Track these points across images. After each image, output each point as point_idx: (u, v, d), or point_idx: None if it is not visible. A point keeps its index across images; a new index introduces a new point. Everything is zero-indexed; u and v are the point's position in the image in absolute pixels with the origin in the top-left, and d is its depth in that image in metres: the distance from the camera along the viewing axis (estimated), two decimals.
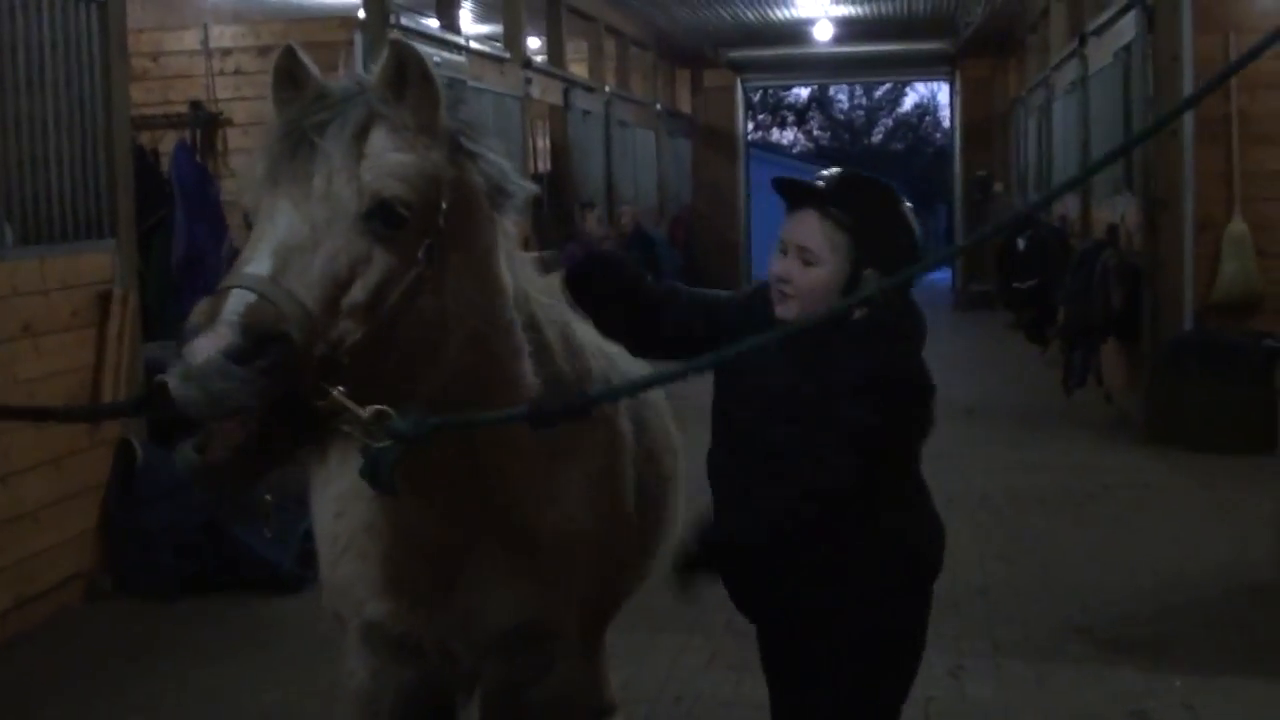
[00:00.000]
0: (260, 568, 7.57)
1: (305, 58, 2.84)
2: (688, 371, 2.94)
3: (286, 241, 2.57)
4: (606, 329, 3.60)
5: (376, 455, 2.66)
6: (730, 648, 6.16)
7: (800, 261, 3.32)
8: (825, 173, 3.49)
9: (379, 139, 2.71)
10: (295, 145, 2.68)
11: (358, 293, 2.60)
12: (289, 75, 2.83)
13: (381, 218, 2.64)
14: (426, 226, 2.73)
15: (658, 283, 3.64)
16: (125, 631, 7.11)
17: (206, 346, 2.39)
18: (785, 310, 3.33)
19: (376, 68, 2.80)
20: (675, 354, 3.41)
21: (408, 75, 2.76)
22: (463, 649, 3.29)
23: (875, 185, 3.49)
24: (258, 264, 2.54)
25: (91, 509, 7.60)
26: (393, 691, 3.39)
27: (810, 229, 3.32)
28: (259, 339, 2.41)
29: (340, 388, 2.56)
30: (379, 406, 2.62)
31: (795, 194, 3.41)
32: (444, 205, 2.78)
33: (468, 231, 2.88)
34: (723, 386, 3.50)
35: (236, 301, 2.45)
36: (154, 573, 7.57)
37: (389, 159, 2.69)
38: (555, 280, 3.86)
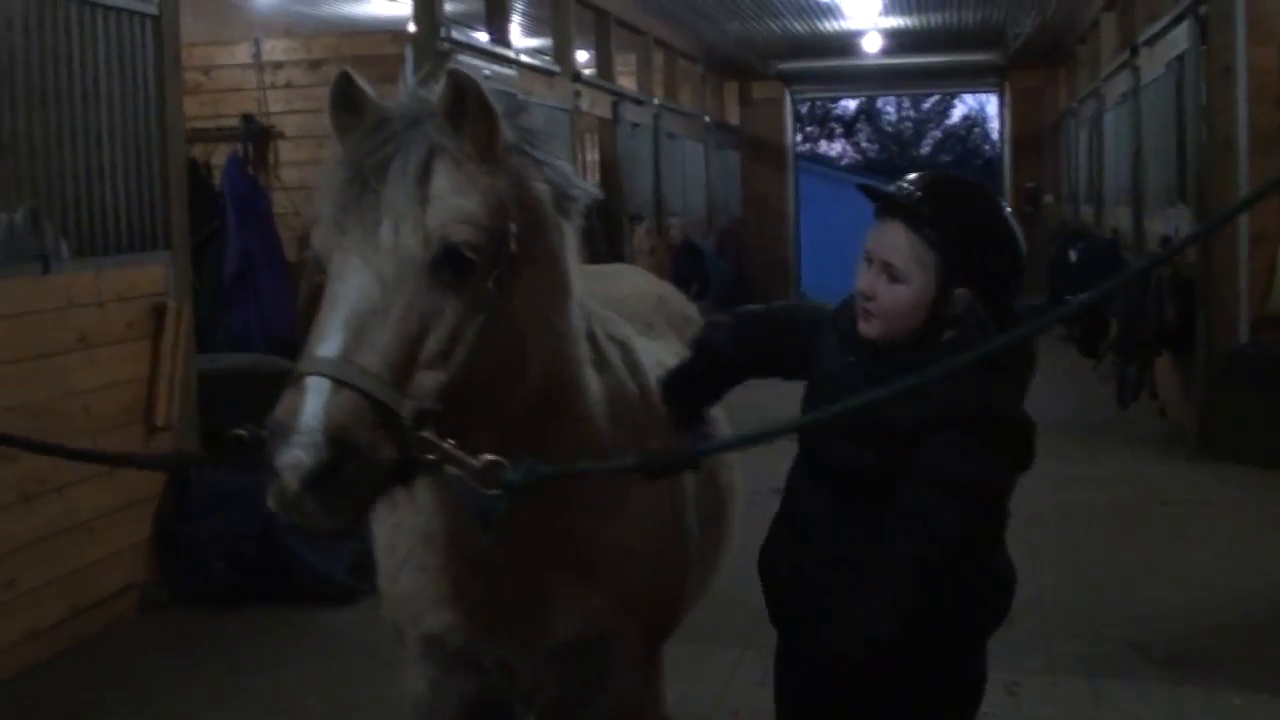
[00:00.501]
0: (312, 579, 7.60)
1: (361, 81, 2.83)
2: (789, 429, 2.98)
3: (358, 307, 2.58)
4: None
5: (488, 504, 2.69)
6: None
7: (885, 277, 3.07)
8: (914, 177, 3.21)
9: (442, 178, 2.70)
10: (360, 190, 2.68)
11: (433, 344, 2.62)
12: (346, 100, 2.83)
13: (449, 265, 2.64)
14: (496, 259, 2.72)
15: (731, 319, 3.62)
16: (178, 641, 7.14)
17: (289, 465, 2.43)
18: (868, 328, 3.12)
19: (436, 95, 2.78)
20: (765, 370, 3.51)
21: (466, 104, 2.74)
22: (521, 663, 3.28)
23: (970, 192, 3.22)
24: (331, 341, 2.55)
25: (145, 520, 7.64)
26: (451, 704, 3.39)
27: (896, 243, 3.07)
28: (337, 446, 2.45)
29: (450, 441, 2.60)
30: (491, 457, 2.66)
31: (882, 203, 3.17)
32: (513, 228, 2.77)
33: (538, 246, 2.88)
34: (808, 406, 3.32)
35: (314, 399, 2.48)
36: (207, 583, 7.62)
37: (453, 203, 2.68)
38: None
